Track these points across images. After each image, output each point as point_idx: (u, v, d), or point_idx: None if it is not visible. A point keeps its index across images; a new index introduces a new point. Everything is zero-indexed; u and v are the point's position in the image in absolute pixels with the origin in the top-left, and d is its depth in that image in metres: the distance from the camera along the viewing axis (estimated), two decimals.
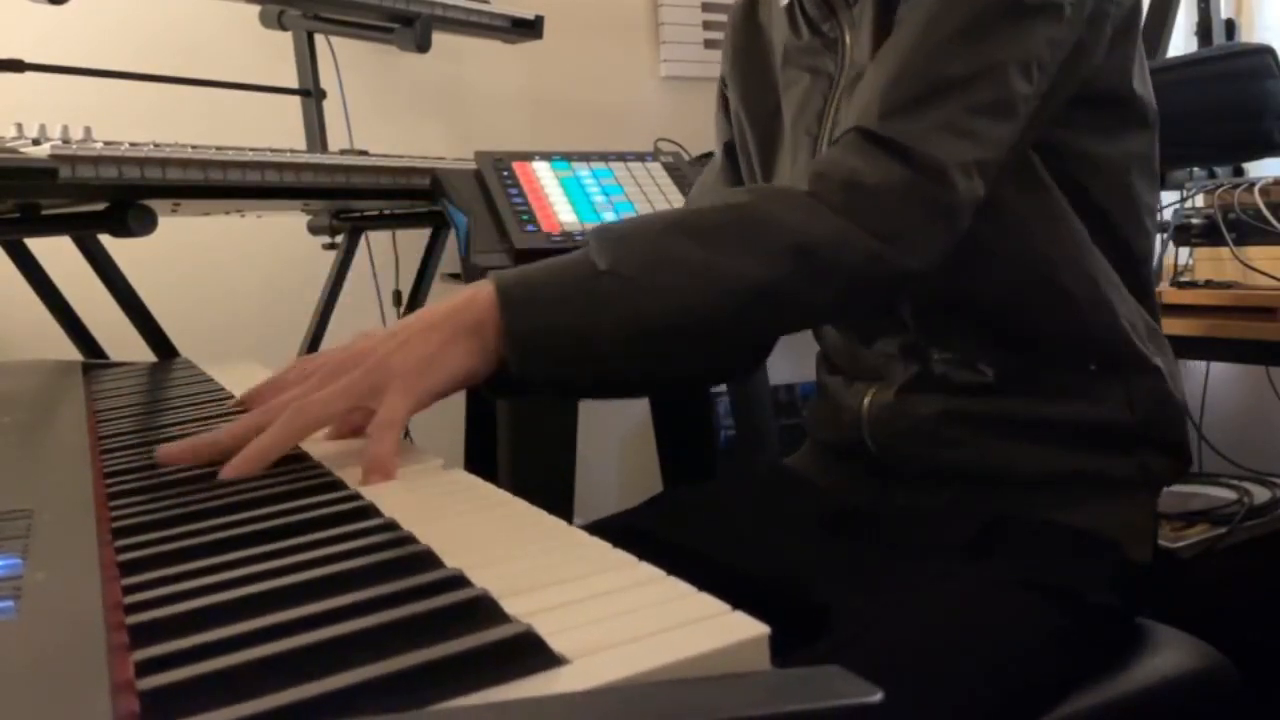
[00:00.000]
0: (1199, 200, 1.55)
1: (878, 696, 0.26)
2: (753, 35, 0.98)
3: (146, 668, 0.31)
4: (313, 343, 1.75)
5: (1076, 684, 0.76)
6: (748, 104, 0.98)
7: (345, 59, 1.95)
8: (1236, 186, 1.44)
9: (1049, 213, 0.81)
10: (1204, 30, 2.06)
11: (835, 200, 0.70)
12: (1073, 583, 0.78)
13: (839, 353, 0.96)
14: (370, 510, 0.48)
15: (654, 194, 1.54)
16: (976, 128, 0.71)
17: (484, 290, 0.66)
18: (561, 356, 0.67)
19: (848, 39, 0.88)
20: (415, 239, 1.93)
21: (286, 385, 0.65)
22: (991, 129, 0.72)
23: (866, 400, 0.89)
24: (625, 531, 0.92)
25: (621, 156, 1.59)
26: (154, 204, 1.15)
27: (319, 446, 0.64)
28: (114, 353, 1.37)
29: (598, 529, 0.92)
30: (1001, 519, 0.82)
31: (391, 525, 0.45)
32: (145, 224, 1.13)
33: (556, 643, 0.31)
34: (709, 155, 1.92)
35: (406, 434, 1.59)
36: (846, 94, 0.87)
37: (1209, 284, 1.47)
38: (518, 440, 1.41)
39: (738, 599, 0.34)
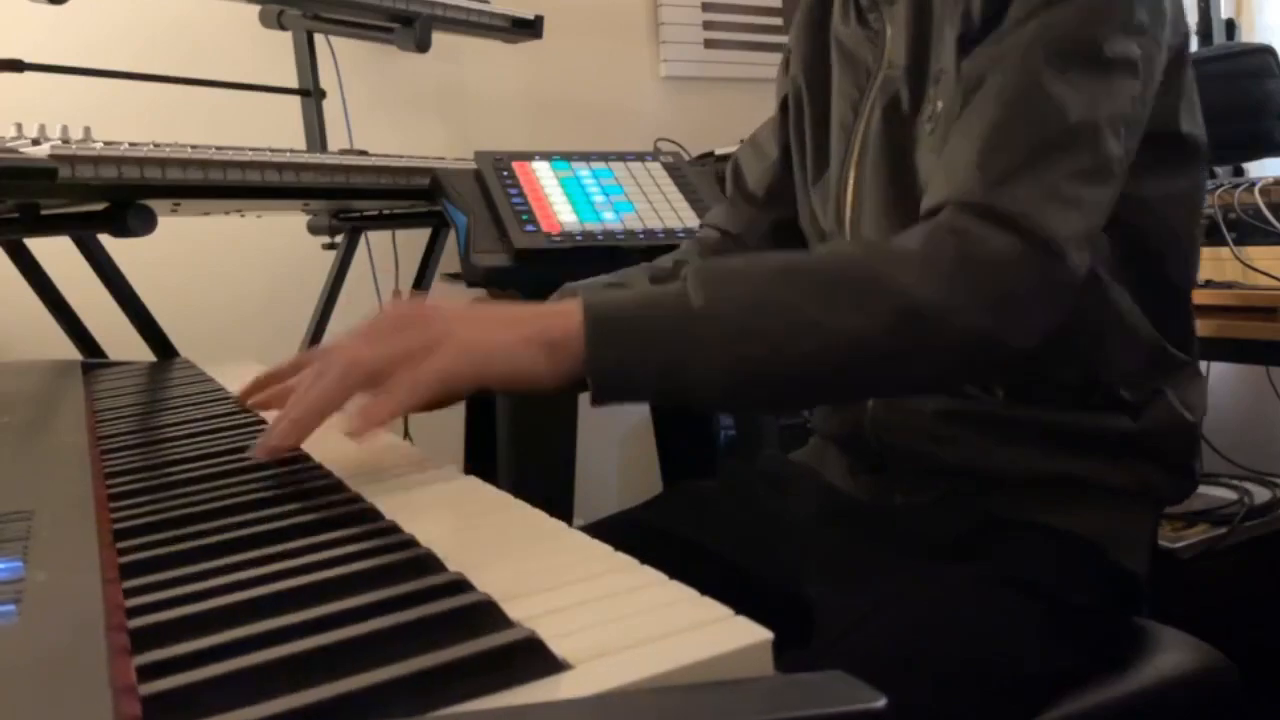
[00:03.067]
0: None
1: (881, 703, 0.26)
2: (816, 13, 0.98)
3: (148, 672, 0.31)
4: (313, 343, 1.75)
5: (1066, 685, 0.76)
6: (807, 73, 0.97)
7: (345, 59, 1.95)
8: (1236, 186, 1.44)
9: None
10: (1204, 30, 2.06)
11: (948, 267, 0.67)
12: (1058, 585, 0.77)
13: None
14: (372, 513, 0.48)
15: (654, 194, 1.53)
16: (1082, 195, 0.69)
17: (572, 311, 0.63)
18: (645, 390, 0.66)
19: (888, 33, 0.87)
20: (415, 239, 1.93)
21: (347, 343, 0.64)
22: (1094, 195, 0.70)
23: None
24: (625, 530, 0.92)
25: (621, 156, 1.59)
26: (154, 204, 1.15)
27: (319, 448, 0.64)
28: (114, 353, 1.37)
29: (598, 528, 0.92)
30: (993, 519, 0.82)
31: (393, 528, 0.45)
32: (145, 224, 1.13)
33: (559, 647, 0.31)
34: (709, 155, 1.92)
35: (406, 435, 1.59)
36: (882, 91, 0.86)
37: (1209, 284, 1.47)
38: (518, 440, 1.41)
39: (734, 597, 0.34)
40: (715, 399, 0.68)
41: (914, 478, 0.88)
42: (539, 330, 0.63)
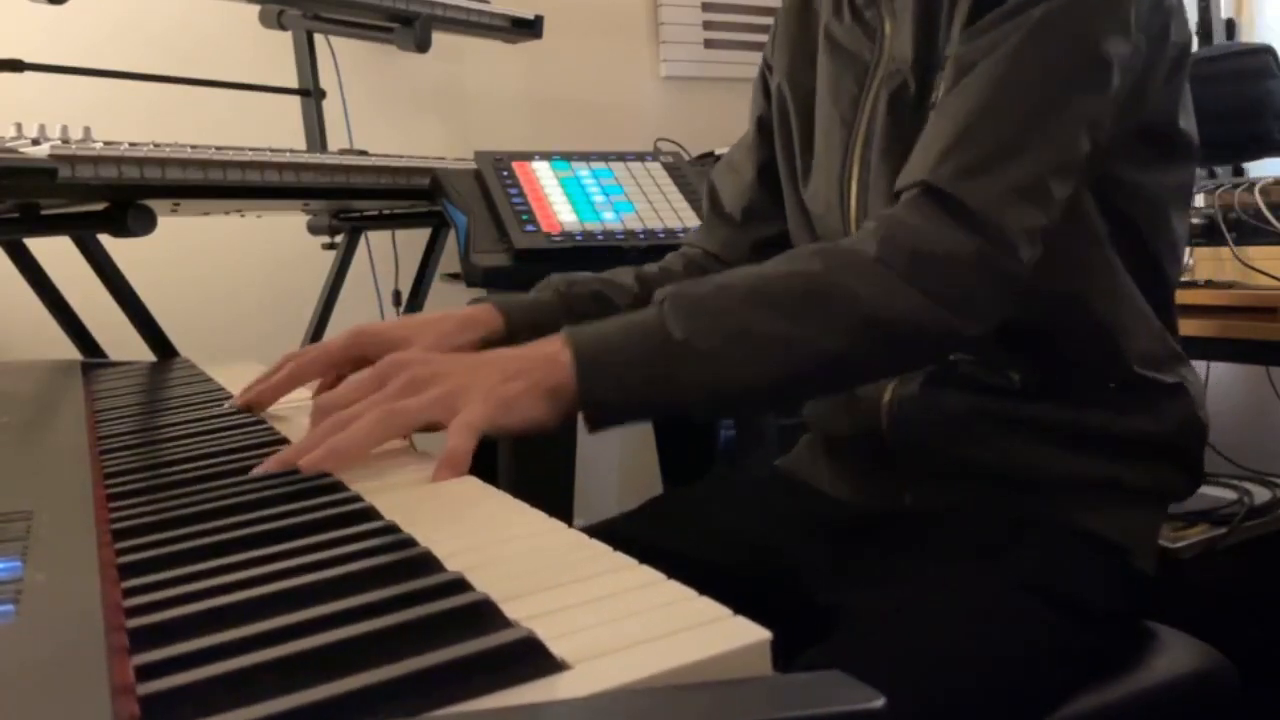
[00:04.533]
0: (1199, 200, 1.55)
1: (879, 703, 0.26)
2: (804, 15, 0.99)
3: (147, 671, 0.31)
4: (312, 343, 1.75)
5: (1074, 688, 0.76)
6: (792, 82, 0.98)
7: (345, 59, 1.95)
8: (1236, 186, 1.44)
9: (1088, 239, 0.82)
10: (1204, 30, 2.06)
11: (903, 269, 0.71)
12: (1081, 589, 0.77)
13: None
14: (370, 513, 0.48)
15: (654, 194, 1.53)
16: (1043, 192, 0.72)
17: (560, 355, 0.67)
18: (638, 417, 0.72)
19: (888, 28, 0.88)
20: (415, 239, 1.93)
21: (350, 396, 0.66)
22: (1056, 190, 0.73)
23: (888, 392, 0.88)
24: (624, 537, 0.91)
25: (621, 156, 1.59)
26: (154, 204, 1.15)
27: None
28: (114, 353, 1.37)
29: (594, 534, 0.92)
30: (1011, 521, 0.82)
31: (392, 528, 0.45)
32: (145, 224, 1.14)
33: (558, 647, 0.31)
34: (709, 155, 1.92)
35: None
36: (885, 85, 0.87)
37: (1209, 284, 1.47)
38: (518, 441, 1.41)
39: (741, 602, 0.34)
40: (702, 416, 0.75)
41: (929, 479, 0.87)
42: (536, 382, 0.66)
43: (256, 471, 0.57)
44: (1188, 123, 0.85)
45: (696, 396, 0.69)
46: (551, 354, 0.67)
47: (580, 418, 0.68)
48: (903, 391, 0.87)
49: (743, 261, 1.02)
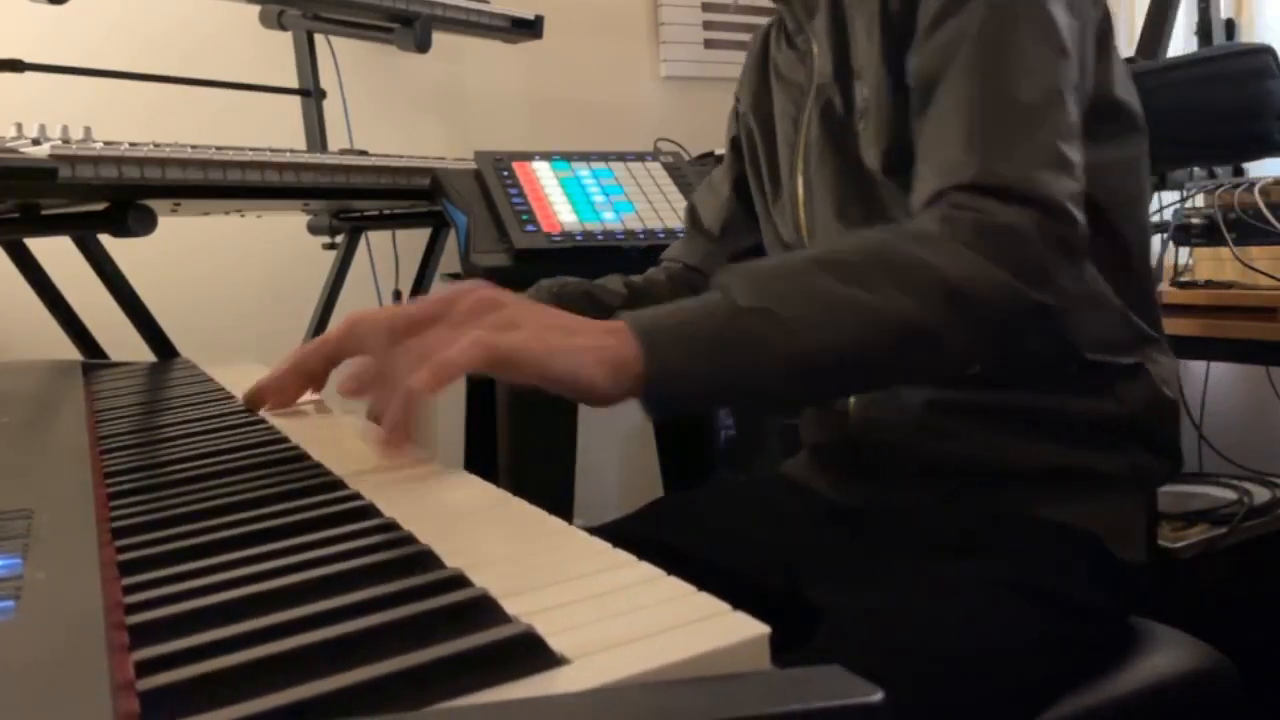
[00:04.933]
0: (1199, 200, 1.55)
1: (878, 697, 0.26)
2: (764, 48, 1.04)
3: (146, 668, 0.31)
4: None
5: (1068, 685, 0.76)
6: (755, 111, 1.03)
7: (345, 59, 1.95)
8: (1236, 186, 1.44)
9: None
10: (1204, 30, 2.06)
11: (970, 240, 0.69)
12: (1059, 583, 0.77)
13: None
14: (370, 510, 0.48)
15: (654, 194, 1.54)
16: (1064, 159, 0.72)
17: (624, 330, 0.63)
18: (707, 397, 0.68)
19: (815, 51, 0.91)
20: (415, 239, 1.93)
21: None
22: (1073, 155, 0.73)
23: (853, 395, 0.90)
24: (624, 537, 0.92)
25: (621, 156, 1.59)
26: (154, 204, 1.15)
27: (317, 447, 0.64)
28: (114, 353, 1.37)
29: (594, 534, 0.92)
30: (989, 516, 0.82)
31: (391, 525, 0.45)
32: (145, 224, 1.14)
33: (557, 642, 0.31)
34: (709, 155, 1.92)
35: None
36: (816, 102, 0.91)
37: (1209, 284, 1.47)
38: (518, 441, 1.41)
39: (731, 601, 0.34)
40: (776, 393, 0.68)
41: (904, 477, 0.88)
42: (598, 345, 0.62)
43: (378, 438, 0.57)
44: (1126, 94, 0.85)
45: (771, 368, 0.65)
46: (610, 327, 0.63)
47: (641, 404, 0.63)
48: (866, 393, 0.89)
49: None
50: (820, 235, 0.91)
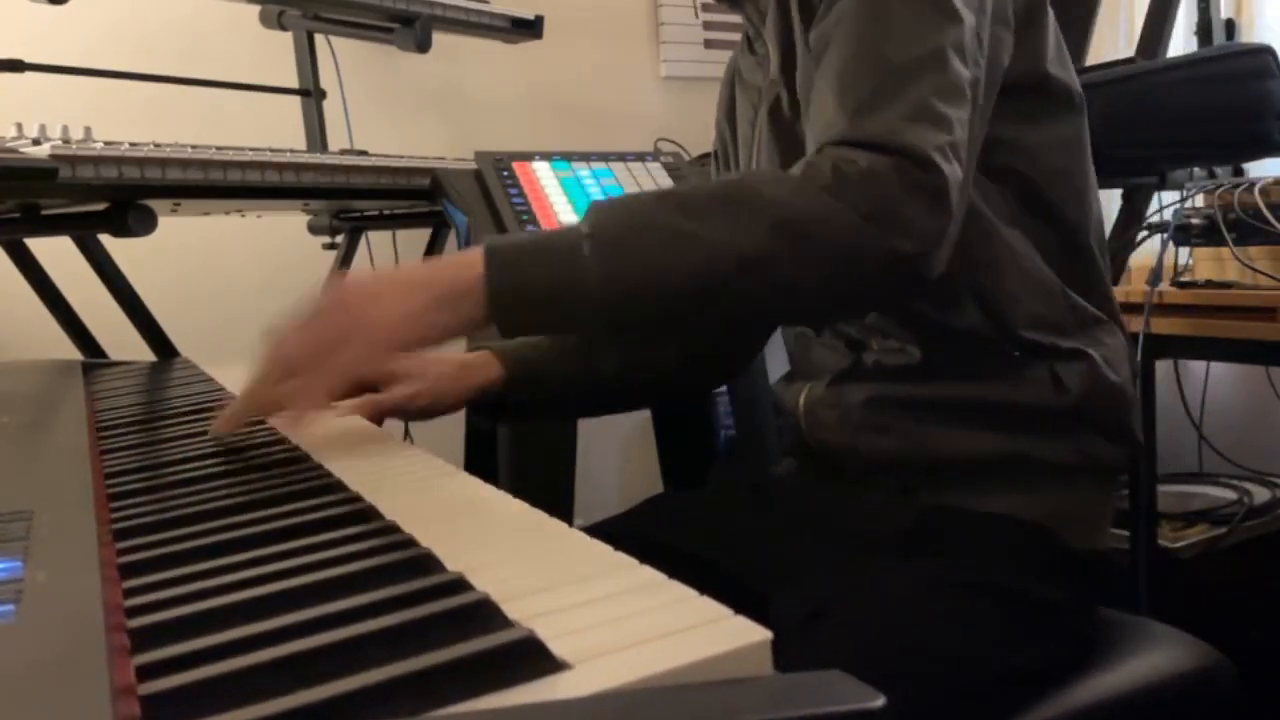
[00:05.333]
0: (1199, 200, 1.55)
1: (879, 702, 0.26)
2: (734, 61, 1.05)
3: (147, 671, 0.31)
4: None
5: (1030, 682, 0.75)
6: (727, 119, 1.05)
7: (345, 59, 1.95)
8: (1236, 186, 1.44)
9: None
10: (1204, 30, 2.06)
11: (824, 181, 0.70)
12: (1009, 578, 0.77)
13: (794, 355, 0.99)
14: (371, 512, 0.48)
15: None
16: (938, 111, 0.72)
17: (473, 253, 0.69)
18: (543, 316, 0.70)
19: (770, 53, 0.92)
20: (415, 239, 1.93)
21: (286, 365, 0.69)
22: (951, 111, 0.73)
23: (803, 396, 0.91)
24: (624, 537, 0.92)
25: (621, 156, 1.59)
26: (154, 204, 1.15)
27: (319, 448, 0.64)
28: (114, 353, 1.37)
29: (594, 534, 0.92)
30: (935, 511, 0.82)
31: (392, 528, 0.45)
32: (145, 224, 1.14)
33: (558, 647, 0.31)
34: (709, 155, 1.92)
35: (406, 434, 1.59)
36: (765, 100, 0.92)
37: (1209, 284, 1.47)
38: (518, 441, 1.41)
39: (741, 601, 0.34)
40: (600, 316, 0.70)
41: (854, 475, 0.88)
42: (447, 286, 0.68)
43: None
44: (1062, 71, 0.85)
45: (600, 291, 0.68)
46: (461, 257, 0.69)
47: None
48: (813, 393, 0.90)
49: None
50: None
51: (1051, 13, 0.85)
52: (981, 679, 0.73)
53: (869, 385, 0.86)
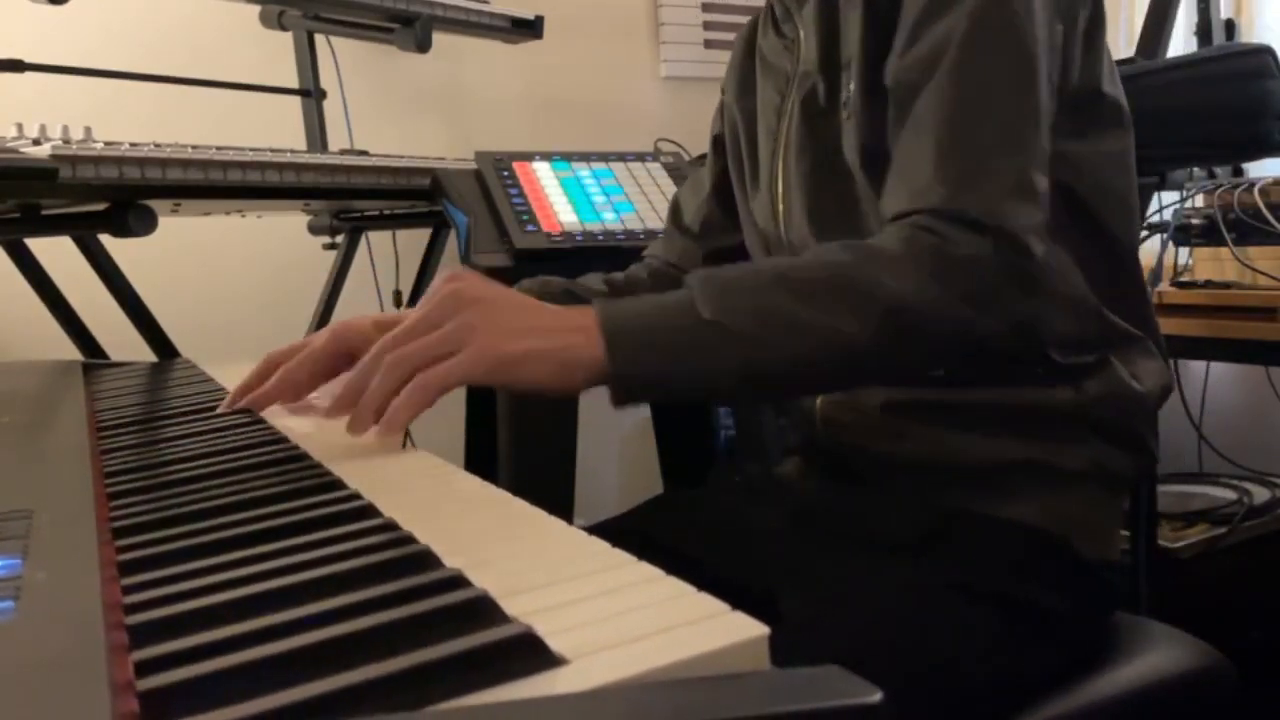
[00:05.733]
0: (1199, 200, 1.55)
1: (878, 697, 0.26)
2: (750, 40, 1.05)
3: (146, 668, 0.31)
4: None
5: (1033, 690, 0.75)
6: (740, 103, 1.03)
7: (345, 59, 1.95)
8: (1236, 186, 1.44)
9: None
10: (1204, 30, 2.06)
11: (929, 265, 0.71)
12: (1013, 585, 0.77)
13: None
14: (369, 510, 0.48)
15: (654, 194, 1.54)
16: (1030, 188, 0.74)
17: (590, 326, 0.68)
18: (664, 394, 0.74)
19: (802, 38, 0.92)
20: (415, 239, 1.93)
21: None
22: (1039, 184, 0.74)
23: (818, 398, 0.90)
24: (623, 535, 0.92)
25: (621, 156, 1.59)
26: (154, 204, 1.15)
27: (317, 446, 0.64)
28: (114, 353, 1.37)
29: (594, 533, 0.92)
30: (948, 516, 0.81)
31: (391, 525, 0.45)
32: (145, 224, 1.14)
33: (556, 643, 0.31)
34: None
35: (407, 434, 1.59)
36: (798, 90, 0.91)
37: (1209, 284, 1.47)
38: (518, 440, 1.41)
39: (740, 600, 0.34)
40: (728, 396, 0.76)
41: (866, 478, 0.88)
42: (561, 345, 0.67)
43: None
44: (1113, 88, 0.86)
45: (722, 376, 0.70)
46: (579, 322, 0.68)
47: (609, 394, 0.68)
48: (831, 395, 0.90)
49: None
50: (795, 225, 0.92)
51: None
52: (976, 684, 0.73)
53: (887, 389, 0.86)
